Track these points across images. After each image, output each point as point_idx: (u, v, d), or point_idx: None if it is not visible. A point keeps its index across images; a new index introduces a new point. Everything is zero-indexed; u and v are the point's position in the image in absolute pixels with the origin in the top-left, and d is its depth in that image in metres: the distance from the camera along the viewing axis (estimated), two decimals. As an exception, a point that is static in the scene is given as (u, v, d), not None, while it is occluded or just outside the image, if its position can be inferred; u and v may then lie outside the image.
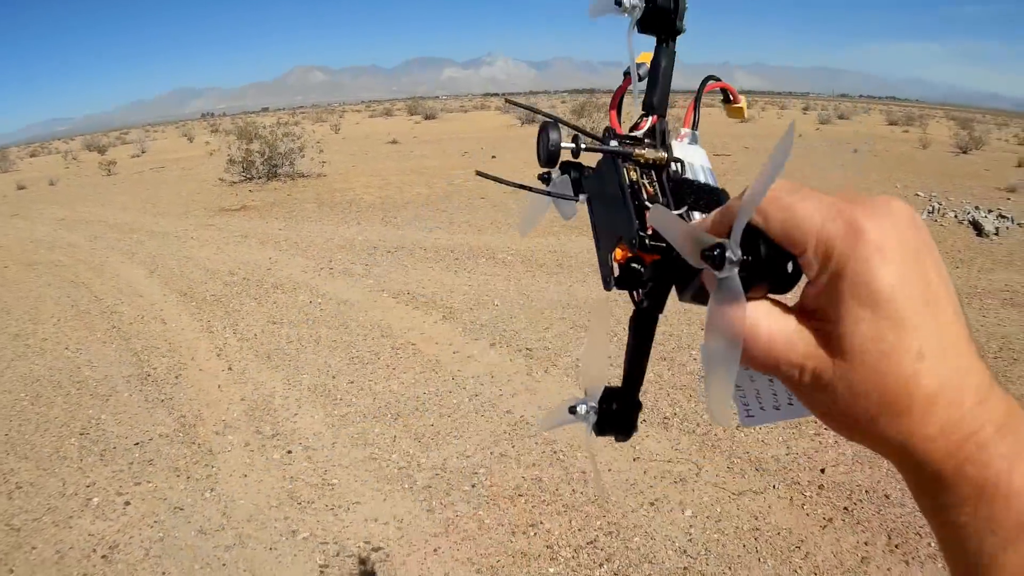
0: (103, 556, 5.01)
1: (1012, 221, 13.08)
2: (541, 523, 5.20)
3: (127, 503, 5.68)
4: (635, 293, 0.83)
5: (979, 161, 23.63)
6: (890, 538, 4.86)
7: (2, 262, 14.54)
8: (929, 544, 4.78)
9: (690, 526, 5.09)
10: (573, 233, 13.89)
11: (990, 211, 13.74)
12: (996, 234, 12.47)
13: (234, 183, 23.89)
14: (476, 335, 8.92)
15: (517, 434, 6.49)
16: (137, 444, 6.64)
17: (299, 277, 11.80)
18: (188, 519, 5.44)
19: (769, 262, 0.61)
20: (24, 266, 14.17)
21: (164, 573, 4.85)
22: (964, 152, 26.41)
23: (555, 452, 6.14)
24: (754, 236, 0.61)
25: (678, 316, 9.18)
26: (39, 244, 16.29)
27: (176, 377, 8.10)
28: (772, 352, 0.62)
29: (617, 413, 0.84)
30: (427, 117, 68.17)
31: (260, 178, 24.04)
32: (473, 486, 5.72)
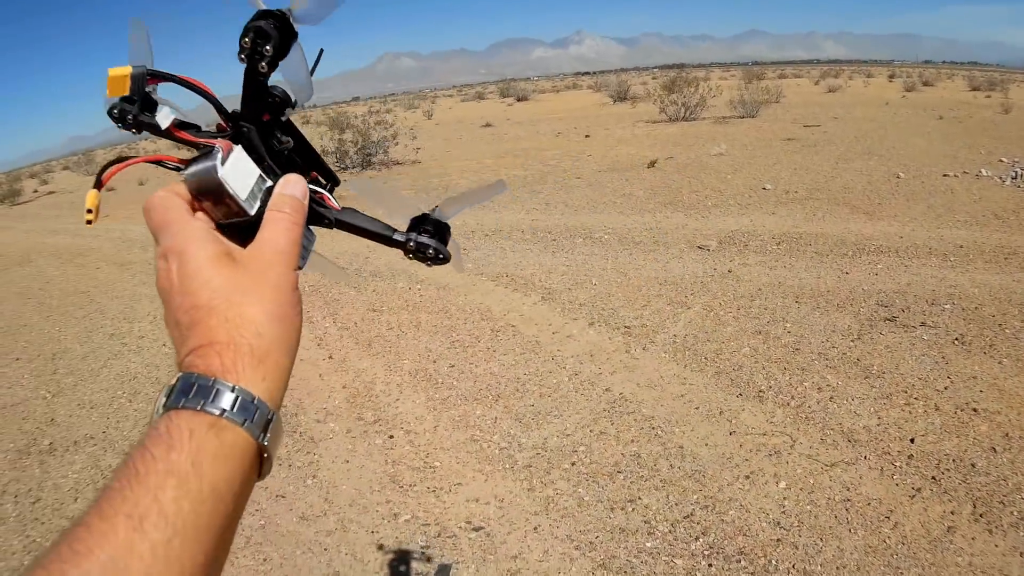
0: None
1: (1096, 183, 12.81)
2: (639, 498, 5.22)
3: None
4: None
5: (1061, 124, 23.10)
6: (975, 507, 4.81)
7: (95, 263, 14.81)
8: (1012, 512, 4.73)
9: (784, 498, 5.09)
10: (668, 210, 13.84)
11: (1072, 175, 13.47)
12: (1078, 198, 12.20)
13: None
14: (575, 315, 8.93)
15: (616, 411, 6.50)
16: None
17: (397, 264, 11.83)
18: (290, 506, 5.54)
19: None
20: (117, 266, 14.43)
21: (265, 559, 4.95)
22: (1045, 116, 25.88)
23: (653, 428, 6.16)
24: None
25: (772, 290, 9.14)
26: (132, 244, 16.54)
27: (275, 372, 8.12)
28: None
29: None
30: (519, 99, 68.07)
31: (355, 167, 24.17)
32: (573, 464, 5.75)
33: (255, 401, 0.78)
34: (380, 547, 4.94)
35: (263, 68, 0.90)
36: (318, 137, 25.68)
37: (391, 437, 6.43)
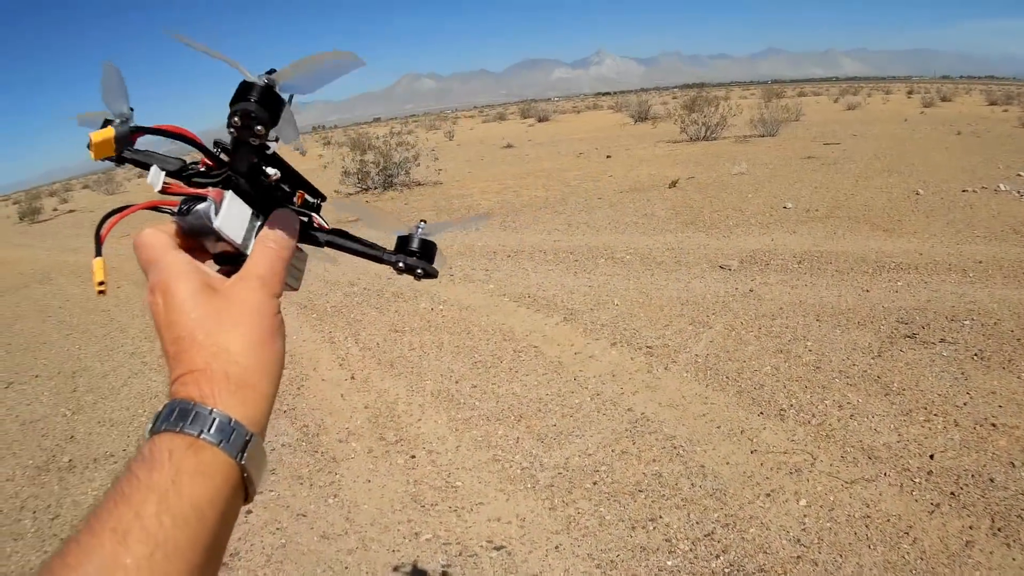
0: (224, 563, 5.14)
1: (1116, 198, 12.77)
2: (660, 517, 5.25)
3: (249, 511, 5.79)
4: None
5: (1079, 139, 23.02)
6: (993, 521, 4.82)
7: (115, 282, 14.77)
8: (1031, 527, 4.77)
9: (804, 516, 5.11)
10: (690, 230, 13.87)
11: (1091, 188, 13.44)
12: (1098, 211, 12.18)
13: (350, 194, 24.09)
14: (597, 335, 8.95)
15: (638, 431, 6.53)
16: (257, 455, 6.76)
17: (419, 285, 11.56)
18: (311, 525, 5.56)
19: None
20: (137, 284, 14.34)
21: (286, 578, 4.99)
22: (1062, 128, 25.78)
23: (675, 447, 6.18)
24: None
25: (794, 309, 9.16)
26: None
27: (298, 388, 8.24)
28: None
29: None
30: (540, 119, 68.15)
31: (376, 188, 24.32)
32: (595, 483, 5.77)
33: (232, 423, 0.83)
34: (400, 567, 4.98)
35: (255, 141, 0.93)
36: (340, 159, 25.73)
37: (413, 457, 6.47)
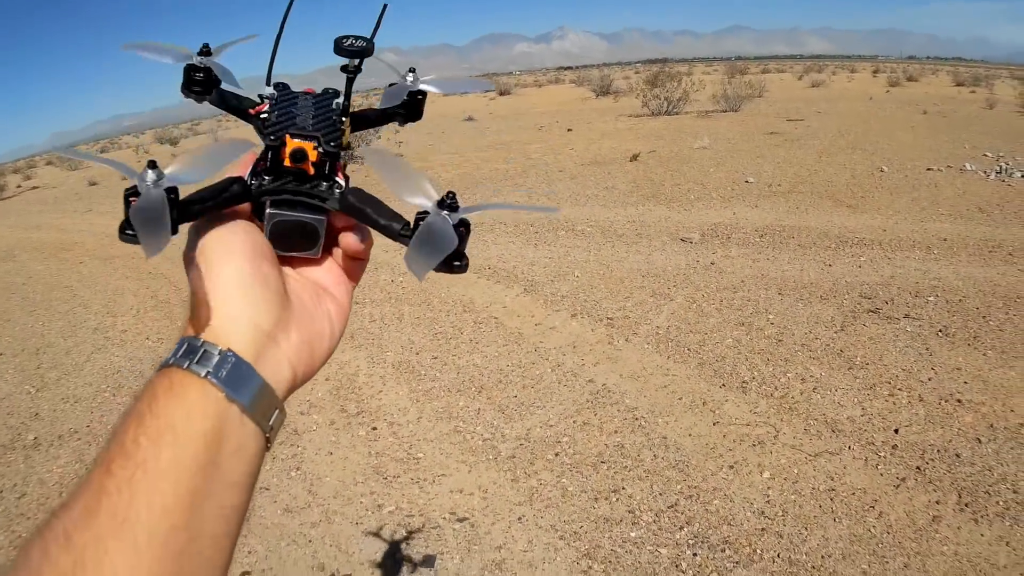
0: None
1: (1080, 181, 12.84)
2: (623, 488, 5.23)
3: None
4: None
5: (1045, 121, 23.18)
6: (960, 497, 4.84)
7: (78, 258, 14.63)
8: (998, 502, 4.76)
9: (768, 488, 5.11)
10: (651, 203, 13.86)
11: (1057, 170, 13.51)
12: (1063, 193, 12.23)
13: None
14: (557, 306, 8.93)
15: (599, 402, 6.51)
16: (219, 428, 6.69)
17: (380, 256, 11.56)
18: (274, 498, 5.52)
19: None
20: (101, 260, 14.29)
21: (250, 551, 4.92)
22: (1029, 111, 25.90)
23: (636, 419, 6.17)
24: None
25: (755, 282, 9.16)
26: (115, 238, 15.90)
27: (258, 360, 8.09)
28: None
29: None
30: (502, 93, 67.97)
31: (337, 160, 23.99)
32: (556, 455, 5.75)
33: (194, 341, 0.80)
34: (364, 538, 4.93)
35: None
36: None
37: (374, 429, 6.41)
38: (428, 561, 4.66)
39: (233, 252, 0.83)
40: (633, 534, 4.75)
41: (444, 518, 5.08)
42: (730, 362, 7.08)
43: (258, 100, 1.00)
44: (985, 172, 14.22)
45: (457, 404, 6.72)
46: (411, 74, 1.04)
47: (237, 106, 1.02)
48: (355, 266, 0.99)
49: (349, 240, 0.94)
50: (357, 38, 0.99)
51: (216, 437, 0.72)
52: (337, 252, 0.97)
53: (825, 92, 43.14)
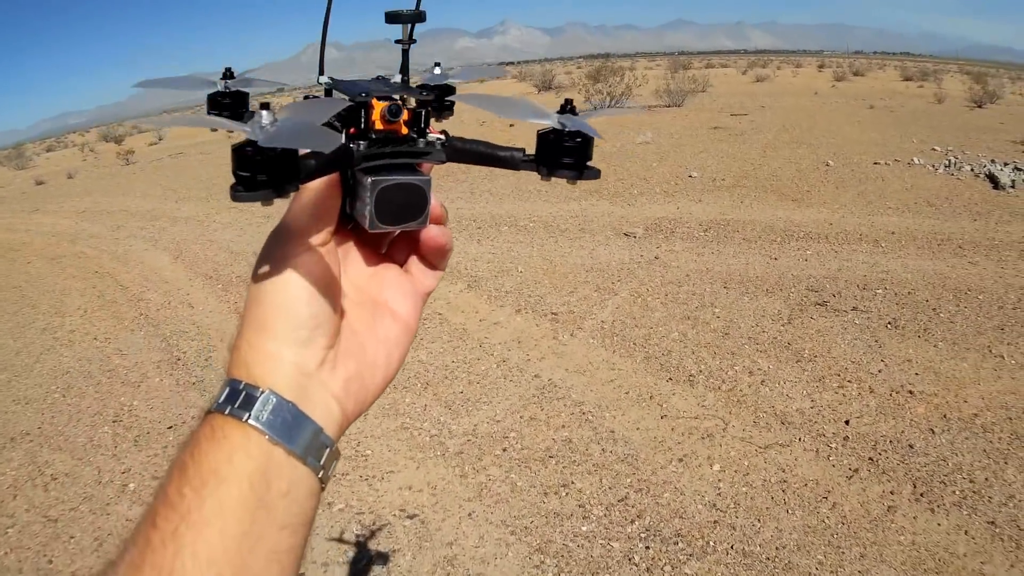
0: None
1: (1028, 174, 12.99)
2: (572, 483, 5.24)
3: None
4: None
5: (994, 115, 23.27)
6: (915, 487, 4.88)
7: (26, 258, 14.40)
8: (953, 492, 4.81)
9: (719, 480, 5.14)
10: (594, 198, 13.87)
11: (1006, 164, 13.59)
12: (1012, 187, 12.35)
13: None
14: (501, 302, 8.94)
15: (546, 397, 6.53)
16: (171, 428, 6.68)
17: None
18: (225, 496, 5.45)
19: None
20: (48, 260, 14.07)
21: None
22: (979, 106, 26.02)
23: (584, 413, 6.19)
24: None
25: (700, 276, 9.21)
26: (61, 237, 16.16)
27: (206, 359, 8.14)
28: None
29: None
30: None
31: (283, 157, 24.02)
32: (504, 450, 5.76)
33: (232, 382, 0.78)
34: (315, 537, 4.89)
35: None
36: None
37: (322, 426, 6.35)
38: (380, 559, 4.66)
39: (289, 286, 0.79)
40: (584, 528, 4.76)
41: (394, 515, 5.08)
42: (676, 356, 7.12)
43: None
44: (933, 166, 14.36)
45: (404, 400, 6.70)
46: (437, 67, 1.02)
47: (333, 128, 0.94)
48: (429, 272, 0.94)
49: (434, 232, 0.90)
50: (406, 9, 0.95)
51: (262, 479, 0.72)
52: (413, 262, 0.94)
53: (769, 87, 43.46)
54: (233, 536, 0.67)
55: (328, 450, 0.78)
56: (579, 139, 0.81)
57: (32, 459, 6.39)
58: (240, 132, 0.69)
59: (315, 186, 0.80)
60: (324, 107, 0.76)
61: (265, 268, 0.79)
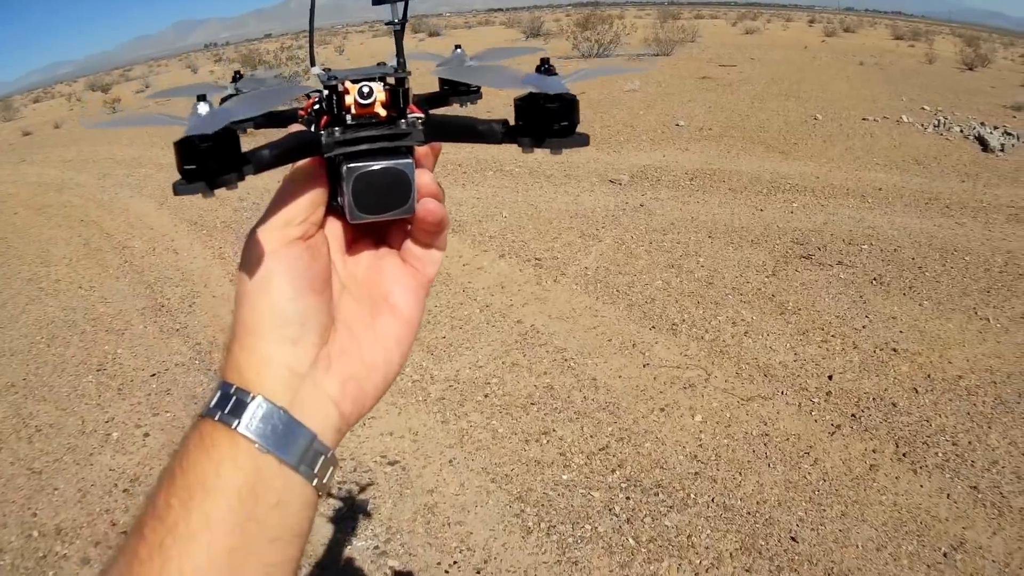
0: (124, 490, 4.99)
1: (1018, 139, 12.84)
2: (554, 431, 5.21)
3: (146, 435, 5.66)
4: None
5: (985, 78, 23.13)
6: (898, 446, 4.85)
7: (12, 208, 14.28)
8: (936, 454, 4.78)
9: (700, 432, 5.11)
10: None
11: (995, 128, 13.54)
12: (1002, 150, 12.29)
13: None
14: (485, 247, 8.89)
15: (528, 343, 6.50)
16: (154, 375, 6.61)
17: None
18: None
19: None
20: (34, 211, 13.95)
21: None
22: (970, 69, 25.86)
23: (566, 360, 6.15)
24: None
25: (685, 225, 9.16)
26: (48, 187, 15.98)
27: (190, 306, 8.08)
28: None
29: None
30: (431, 34, 67.80)
31: (263, 102, 24.03)
32: (486, 396, 5.73)
33: (223, 386, 0.75)
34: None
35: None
36: (230, 75, 25.48)
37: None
38: (361, 507, 4.63)
39: (272, 282, 0.74)
40: (565, 477, 4.73)
41: (375, 461, 5.04)
42: (660, 304, 7.08)
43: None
44: (923, 125, 14.30)
45: (386, 346, 6.60)
46: (458, 50, 0.97)
47: (292, 116, 0.93)
48: (429, 256, 0.89)
49: (429, 206, 0.83)
50: None
51: (251, 491, 0.69)
52: (409, 248, 0.88)
53: (759, 39, 43.29)
54: (220, 551, 0.65)
55: (323, 458, 0.75)
56: (558, 103, 0.71)
57: (17, 411, 6.31)
58: (182, 126, 0.65)
59: (295, 177, 0.78)
60: (272, 95, 0.72)
61: (247, 265, 0.75)
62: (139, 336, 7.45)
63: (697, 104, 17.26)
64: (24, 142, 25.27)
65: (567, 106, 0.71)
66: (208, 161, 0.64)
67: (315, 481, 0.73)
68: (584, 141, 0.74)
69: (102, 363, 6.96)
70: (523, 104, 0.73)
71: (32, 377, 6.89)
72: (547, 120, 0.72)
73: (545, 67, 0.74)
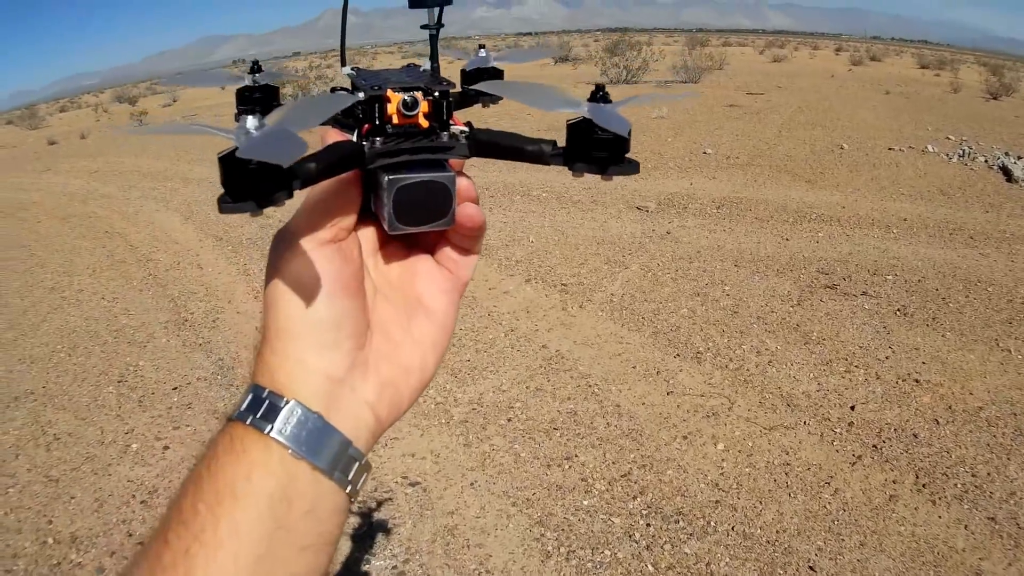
0: (142, 501, 5.01)
1: (1043, 169, 12.88)
2: (576, 456, 5.21)
3: (166, 448, 5.68)
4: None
5: (1009, 108, 23.01)
6: (918, 477, 4.84)
7: (36, 217, 14.37)
8: (956, 485, 4.77)
9: (722, 460, 5.10)
10: (607, 170, 13.82)
11: (1020, 157, 13.47)
12: (1026, 181, 12.30)
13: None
14: (511, 271, 8.90)
15: (552, 368, 6.49)
16: (175, 389, 6.63)
17: None
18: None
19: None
20: (58, 220, 14.00)
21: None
22: (994, 98, 25.72)
23: (590, 386, 6.15)
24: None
25: (711, 253, 9.16)
26: (72, 197, 16.08)
27: (214, 321, 8.09)
28: None
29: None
30: (459, 58, 68.20)
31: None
32: (509, 420, 5.73)
33: (255, 389, 0.74)
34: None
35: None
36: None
37: (327, 392, 6.33)
38: (380, 526, 4.64)
39: (304, 285, 0.73)
40: (586, 502, 4.72)
41: (397, 482, 5.04)
42: (685, 332, 7.07)
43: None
44: (948, 155, 14.26)
45: (411, 368, 6.62)
46: (483, 50, 0.99)
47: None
48: (464, 260, 0.89)
49: (469, 211, 0.82)
50: None
51: (283, 498, 0.67)
52: (444, 251, 0.88)
53: (786, 67, 43.25)
54: (248, 561, 0.63)
55: (357, 464, 0.73)
56: (614, 132, 0.72)
57: (35, 418, 6.34)
58: (227, 139, 0.64)
59: (326, 182, 0.74)
60: (323, 106, 0.69)
61: (277, 267, 0.74)
62: (161, 349, 7.48)
63: (724, 132, 17.27)
64: (50, 151, 25.43)
65: (622, 135, 0.72)
66: (258, 178, 0.63)
67: (348, 488, 0.72)
68: (635, 169, 0.76)
69: (123, 375, 6.99)
70: (577, 129, 0.74)
71: (52, 385, 6.92)
72: (602, 147, 0.74)
73: (601, 94, 0.74)
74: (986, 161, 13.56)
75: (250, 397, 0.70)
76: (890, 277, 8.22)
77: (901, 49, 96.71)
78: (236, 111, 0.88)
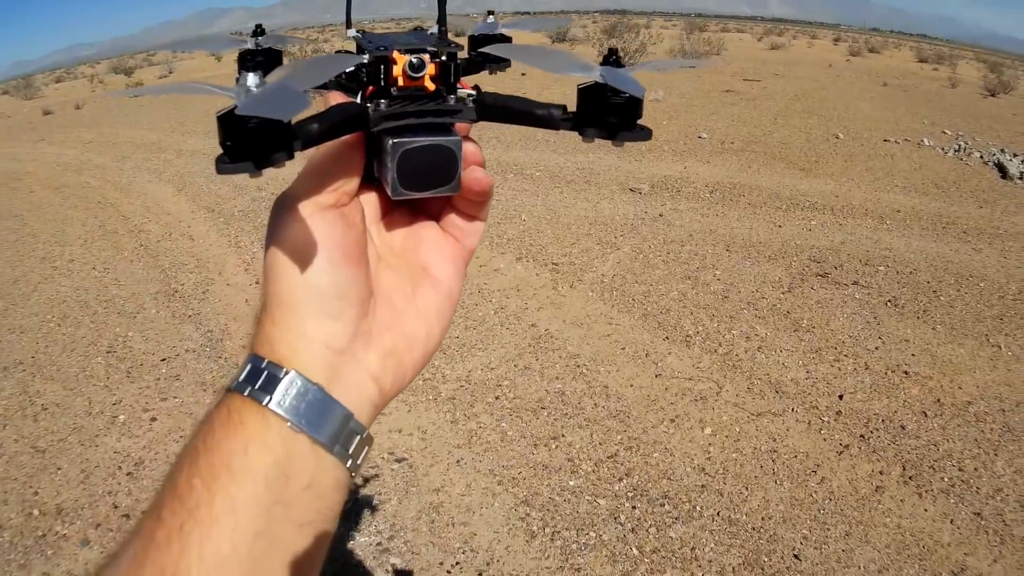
0: (128, 473, 5.00)
1: (1038, 167, 12.88)
2: (563, 436, 5.20)
3: (153, 419, 5.66)
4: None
5: (1006, 105, 22.99)
6: (904, 469, 4.84)
7: (29, 187, 14.28)
8: (942, 478, 4.77)
9: (709, 444, 5.10)
10: (601, 151, 13.77)
11: (1015, 155, 13.49)
12: (1020, 178, 12.22)
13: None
14: (503, 249, 8.88)
15: (541, 347, 6.49)
16: (164, 360, 6.62)
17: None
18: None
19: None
20: (51, 190, 13.90)
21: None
22: (992, 95, 25.69)
23: (578, 366, 6.15)
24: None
25: (703, 237, 9.15)
26: (66, 167, 15.93)
27: (203, 292, 8.06)
28: None
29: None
30: (458, 34, 68.17)
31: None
32: (497, 398, 5.73)
33: (253, 358, 0.72)
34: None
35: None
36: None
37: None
38: (366, 502, 4.63)
39: (306, 252, 0.70)
40: (572, 483, 4.72)
41: (383, 458, 5.04)
42: (675, 315, 7.08)
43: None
44: (943, 149, 14.25)
45: (399, 343, 6.61)
46: (491, 16, 0.96)
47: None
48: (471, 226, 0.84)
49: (476, 174, 0.78)
50: None
51: (281, 473, 0.65)
52: (450, 218, 0.84)
53: (784, 55, 43.18)
54: (245, 537, 0.61)
55: (358, 438, 0.71)
56: (627, 96, 0.69)
57: (24, 389, 6.32)
58: (226, 97, 0.61)
59: (327, 144, 0.71)
60: (327, 65, 0.68)
61: (277, 234, 0.71)
62: (151, 320, 7.46)
63: (720, 117, 17.24)
64: (44, 121, 25.30)
65: (635, 99, 0.69)
66: (257, 137, 0.60)
67: (349, 462, 0.70)
68: (647, 135, 0.72)
69: (112, 345, 6.96)
70: (588, 93, 0.71)
71: (41, 355, 6.90)
72: (614, 112, 0.70)
73: (614, 58, 0.71)
74: (982, 157, 13.55)
75: (249, 367, 0.68)
76: (882, 268, 8.22)
77: (900, 42, 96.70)
78: (238, 75, 0.84)
